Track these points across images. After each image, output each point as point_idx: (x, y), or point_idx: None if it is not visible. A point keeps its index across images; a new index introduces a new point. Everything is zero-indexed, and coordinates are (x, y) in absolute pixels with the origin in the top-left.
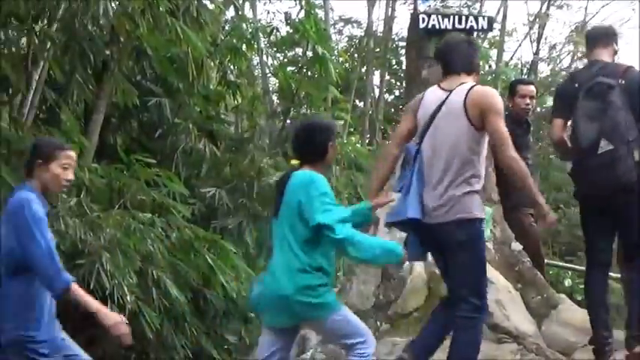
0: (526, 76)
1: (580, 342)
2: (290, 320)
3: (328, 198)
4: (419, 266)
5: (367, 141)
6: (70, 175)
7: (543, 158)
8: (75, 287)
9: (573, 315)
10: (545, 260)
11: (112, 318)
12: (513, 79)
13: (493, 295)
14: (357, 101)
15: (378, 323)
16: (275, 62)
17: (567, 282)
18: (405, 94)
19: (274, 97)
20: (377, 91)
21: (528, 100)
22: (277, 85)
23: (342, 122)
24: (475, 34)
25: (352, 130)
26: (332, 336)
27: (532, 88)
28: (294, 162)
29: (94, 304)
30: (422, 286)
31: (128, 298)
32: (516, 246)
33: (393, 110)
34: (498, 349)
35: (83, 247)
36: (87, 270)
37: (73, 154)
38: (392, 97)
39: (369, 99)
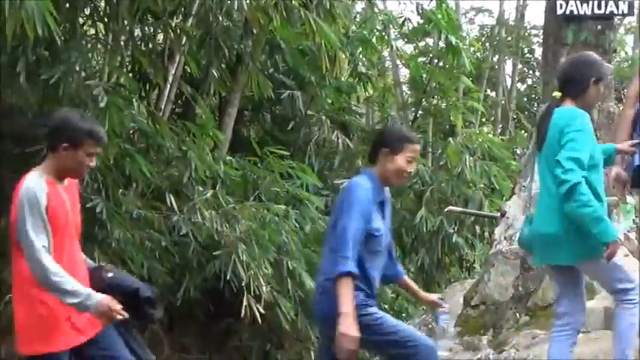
0: None
1: None
2: (558, 259)
3: (580, 139)
4: None
5: (500, 131)
6: (412, 168)
7: None
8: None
9: None
10: None
11: (348, 330)
12: None
13: None
14: (488, 91)
15: (517, 315)
16: (406, 53)
17: None
18: (543, 81)
19: (405, 88)
20: (509, 81)
21: None
22: (408, 76)
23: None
24: (615, 19)
25: (485, 120)
26: (604, 279)
27: None
28: (557, 94)
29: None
30: None
31: (264, 288)
32: None
33: (525, 99)
34: None
35: (219, 238)
36: (223, 261)
37: (418, 147)
38: (524, 86)
39: (501, 88)
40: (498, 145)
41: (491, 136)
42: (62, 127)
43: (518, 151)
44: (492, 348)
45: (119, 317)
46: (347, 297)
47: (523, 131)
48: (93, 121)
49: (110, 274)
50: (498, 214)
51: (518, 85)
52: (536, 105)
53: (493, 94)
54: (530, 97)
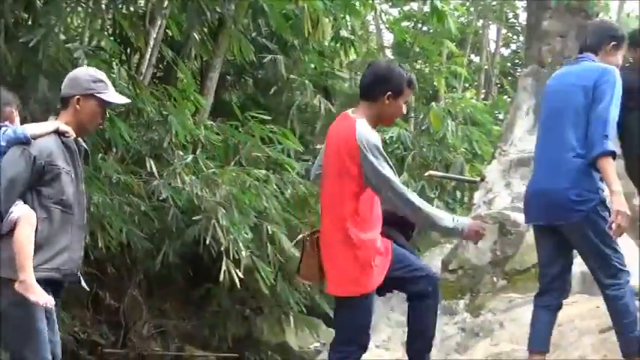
0: None
1: None
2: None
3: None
4: None
5: (483, 96)
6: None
7: None
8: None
9: None
10: None
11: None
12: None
13: None
14: (472, 56)
15: (495, 279)
16: (392, 16)
17: None
18: (525, 46)
19: (389, 53)
20: (493, 45)
21: None
22: (392, 40)
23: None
24: None
25: (468, 85)
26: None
27: None
28: None
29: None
30: None
31: (243, 253)
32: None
33: (509, 64)
34: None
35: (199, 203)
36: (203, 226)
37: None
38: (509, 51)
39: (485, 53)
40: (481, 110)
41: (474, 101)
42: (387, 76)
43: (501, 116)
44: (469, 312)
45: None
46: (615, 175)
47: (506, 96)
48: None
49: None
50: (479, 179)
51: (502, 50)
52: (519, 70)
53: (477, 58)
54: (514, 62)
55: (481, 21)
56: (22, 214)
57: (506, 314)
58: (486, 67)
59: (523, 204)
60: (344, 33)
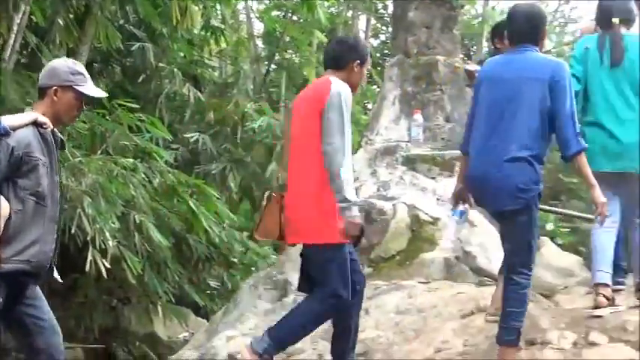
0: None
1: (561, 284)
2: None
3: None
4: (401, 210)
5: None
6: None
7: None
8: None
9: (555, 258)
10: None
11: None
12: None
13: (477, 238)
14: None
15: (361, 266)
16: (260, 6)
17: (549, 225)
18: (392, 36)
19: (259, 42)
20: (363, 36)
21: None
22: (262, 29)
23: None
24: None
25: None
26: None
27: None
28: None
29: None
30: (405, 229)
31: (110, 243)
32: None
33: (378, 55)
34: (480, 291)
35: (65, 192)
36: (69, 215)
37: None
38: (378, 41)
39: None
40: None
41: None
42: (355, 46)
43: (370, 106)
44: None
45: None
46: (589, 170)
47: (375, 86)
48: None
49: None
50: None
51: (372, 40)
52: (388, 60)
53: None
54: (383, 52)
55: (351, 11)
56: None
57: (371, 301)
58: None
59: (469, 190)
60: (214, 22)
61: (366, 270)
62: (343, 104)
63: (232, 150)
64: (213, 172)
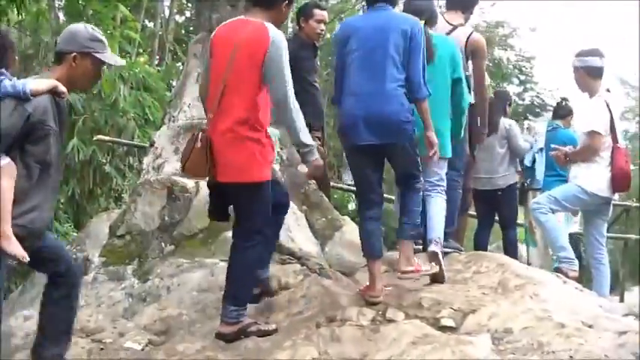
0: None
1: (361, 262)
2: None
3: None
4: (204, 187)
5: (157, 62)
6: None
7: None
8: None
9: (356, 237)
10: (331, 183)
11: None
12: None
13: None
14: (147, 21)
15: (163, 245)
16: None
17: (351, 205)
18: (196, 14)
19: (60, 14)
20: (167, 12)
21: (323, 26)
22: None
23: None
24: None
25: (141, 50)
26: None
27: (326, 13)
28: None
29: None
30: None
31: None
32: (303, 168)
33: (183, 32)
34: (282, 269)
35: None
36: None
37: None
38: (183, 18)
39: (160, 19)
40: (154, 76)
41: (147, 67)
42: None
43: (174, 83)
44: (137, 277)
45: None
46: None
47: (179, 63)
48: None
49: None
50: (148, 144)
51: (177, 16)
52: (192, 37)
53: (152, 24)
54: (187, 29)
55: None
56: (5, 165)
57: (173, 279)
58: (160, 33)
59: (347, 128)
60: None
61: (168, 248)
62: (284, 51)
63: None
64: None
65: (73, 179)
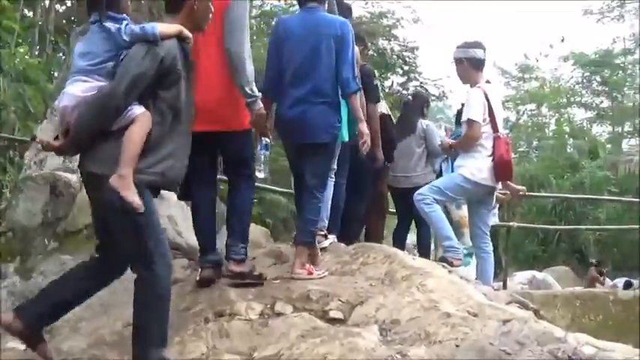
0: None
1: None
2: None
3: None
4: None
5: (37, 53)
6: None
7: None
8: None
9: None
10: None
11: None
12: None
13: (165, 210)
14: (26, 10)
15: (46, 241)
16: None
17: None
18: (78, 3)
19: None
20: (47, 1)
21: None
22: None
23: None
24: None
25: (21, 41)
26: None
27: None
28: None
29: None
30: None
31: None
32: None
33: (65, 22)
34: None
35: None
36: None
37: None
38: (64, 7)
39: (40, 9)
40: (35, 67)
41: (27, 57)
42: None
43: (56, 74)
44: (20, 275)
45: None
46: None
47: (61, 54)
48: None
49: None
50: (30, 139)
51: (57, 5)
52: (75, 27)
53: (31, 14)
54: (69, 19)
55: None
56: (141, 114)
57: (58, 276)
58: (40, 23)
59: (279, 129)
60: None
61: (52, 244)
62: (244, 9)
63: None
64: None
65: None
